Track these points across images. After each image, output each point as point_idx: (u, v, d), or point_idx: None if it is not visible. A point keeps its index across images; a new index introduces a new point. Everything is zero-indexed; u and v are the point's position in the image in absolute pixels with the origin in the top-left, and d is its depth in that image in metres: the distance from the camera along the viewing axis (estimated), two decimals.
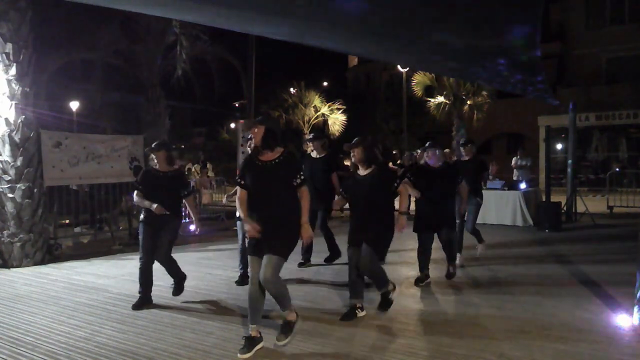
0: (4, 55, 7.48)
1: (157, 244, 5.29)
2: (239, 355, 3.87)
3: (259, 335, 4.01)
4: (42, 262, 7.67)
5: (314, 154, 7.11)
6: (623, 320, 4.45)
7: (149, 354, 3.97)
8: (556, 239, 9.25)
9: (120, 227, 10.66)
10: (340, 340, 4.22)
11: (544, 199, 11.33)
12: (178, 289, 5.59)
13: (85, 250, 8.86)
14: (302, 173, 4.03)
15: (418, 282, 5.97)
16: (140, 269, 5.27)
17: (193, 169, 16.79)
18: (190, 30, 10.16)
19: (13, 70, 7.52)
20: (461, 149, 7.42)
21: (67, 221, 10.24)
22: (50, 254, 8.01)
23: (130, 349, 4.08)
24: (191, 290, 5.92)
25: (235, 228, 11.02)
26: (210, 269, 7.19)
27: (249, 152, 4.41)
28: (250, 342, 3.94)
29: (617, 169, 20.05)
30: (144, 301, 5.26)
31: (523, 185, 11.51)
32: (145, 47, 10.25)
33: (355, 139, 4.90)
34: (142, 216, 5.33)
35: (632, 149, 23.49)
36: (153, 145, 5.40)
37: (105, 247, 9.13)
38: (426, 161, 6.08)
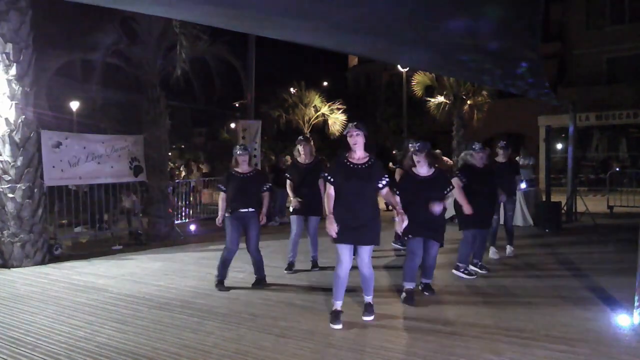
0: (4, 55, 7.48)
1: (247, 237, 6.03)
2: (331, 325, 4.50)
3: (342, 310, 4.62)
4: (42, 262, 7.67)
5: (300, 159, 6.89)
6: (623, 320, 4.45)
7: (149, 354, 3.97)
8: (556, 239, 9.25)
9: (120, 227, 10.66)
10: (340, 340, 4.23)
11: (544, 199, 11.33)
12: (259, 282, 6.14)
13: (85, 250, 8.86)
14: (386, 176, 4.61)
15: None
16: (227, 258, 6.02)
17: (182, 169, 16.77)
18: (190, 30, 10.14)
19: (13, 70, 7.52)
20: (500, 151, 7.88)
21: (65, 221, 10.24)
22: (51, 254, 8.00)
23: (130, 349, 4.08)
24: (191, 290, 5.94)
25: None
26: (211, 269, 7.17)
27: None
28: (336, 315, 4.56)
29: (617, 169, 20.04)
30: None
31: (523, 185, 11.49)
32: (146, 47, 10.24)
33: (419, 144, 5.37)
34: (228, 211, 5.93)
35: (632, 149, 23.50)
36: (240, 149, 6.06)
37: (105, 247, 9.13)
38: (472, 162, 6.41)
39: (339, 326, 4.48)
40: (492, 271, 6.69)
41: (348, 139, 4.59)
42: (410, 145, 7.00)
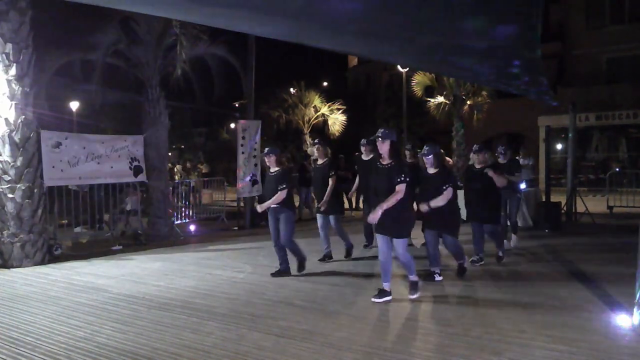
0: (4, 55, 7.48)
1: (279, 230, 6.51)
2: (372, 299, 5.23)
3: (389, 290, 5.33)
4: (42, 262, 7.67)
5: (318, 162, 7.65)
6: (623, 320, 4.45)
7: (149, 354, 3.97)
8: (556, 239, 9.25)
9: (120, 227, 10.65)
10: (340, 340, 4.22)
11: (543, 199, 11.33)
12: (299, 267, 6.72)
13: (85, 250, 8.86)
14: (404, 175, 5.12)
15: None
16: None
17: (175, 169, 16.72)
18: (190, 30, 10.14)
19: (13, 71, 7.52)
20: (500, 156, 8.55)
21: (66, 221, 10.24)
22: (50, 254, 8.00)
23: (130, 349, 4.08)
24: (191, 290, 5.93)
25: (235, 228, 11.14)
26: (210, 269, 7.19)
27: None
28: (383, 293, 5.28)
29: (617, 169, 20.03)
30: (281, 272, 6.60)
31: (523, 185, 11.48)
32: (146, 47, 10.24)
33: (427, 147, 6.09)
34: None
35: (632, 149, 23.48)
36: (266, 151, 6.70)
37: (105, 247, 9.13)
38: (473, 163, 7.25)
39: (379, 300, 5.22)
40: (491, 270, 6.69)
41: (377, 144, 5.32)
42: (406, 149, 8.12)
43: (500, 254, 7.17)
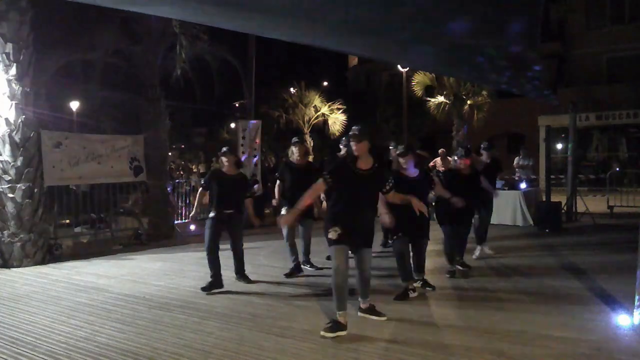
0: (4, 55, 7.48)
1: (232, 237, 6.11)
2: (322, 333, 4.27)
3: (345, 322, 4.38)
4: (42, 262, 7.67)
5: (294, 160, 6.71)
6: (623, 320, 4.45)
7: (150, 354, 3.97)
8: (556, 239, 9.25)
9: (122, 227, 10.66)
10: (340, 340, 4.23)
11: (544, 199, 11.33)
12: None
13: (86, 250, 8.87)
14: (391, 181, 4.60)
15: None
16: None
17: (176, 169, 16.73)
18: (190, 30, 10.16)
19: (13, 70, 7.52)
20: (485, 152, 8.02)
21: (67, 221, 10.25)
22: (51, 254, 8.01)
23: (130, 349, 4.08)
24: (191, 290, 5.94)
25: None
26: None
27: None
28: (337, 326, 4.31)
29: (617, 169, 20.03)
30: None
31: (523, 185, 11.51)
32: (145, 47, 10.26)
33: (402, 148, 5.59)
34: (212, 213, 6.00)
35: (632, 149, 23.47)
36: (224, 150, 6.13)
37: (105, 247, 9.13)
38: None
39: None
40: (491, 269, 6.69)
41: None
42: (391, 147, 7.32)
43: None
